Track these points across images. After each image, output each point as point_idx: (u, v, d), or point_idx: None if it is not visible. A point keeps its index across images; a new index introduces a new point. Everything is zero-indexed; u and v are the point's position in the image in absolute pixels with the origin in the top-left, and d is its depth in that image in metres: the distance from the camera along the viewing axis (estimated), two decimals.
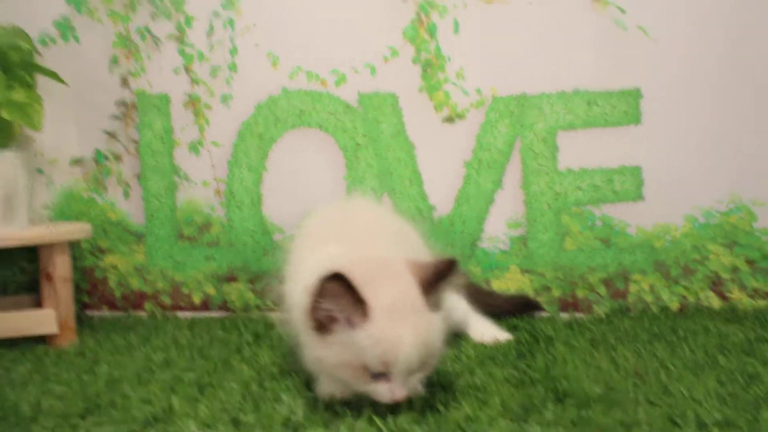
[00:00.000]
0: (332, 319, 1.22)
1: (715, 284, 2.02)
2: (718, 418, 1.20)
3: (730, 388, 1.36)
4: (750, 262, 2.00)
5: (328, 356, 1.24)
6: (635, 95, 2.01)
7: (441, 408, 1.29)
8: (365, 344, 1.19)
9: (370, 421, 1.23)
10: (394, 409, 1.28)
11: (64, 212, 2.23)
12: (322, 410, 1.29)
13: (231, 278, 2.18)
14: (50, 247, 1.89)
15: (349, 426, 1.21)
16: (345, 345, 1.21)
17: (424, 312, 1.23)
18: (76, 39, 2.19)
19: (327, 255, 1.32)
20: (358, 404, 1.31)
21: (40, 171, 2.22)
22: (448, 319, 1.31)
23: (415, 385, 1.27)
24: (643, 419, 1.21)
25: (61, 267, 1.91)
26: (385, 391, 1.23)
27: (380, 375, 1.22)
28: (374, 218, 1.60)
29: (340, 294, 1.18)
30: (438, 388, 1.40)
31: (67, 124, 2.22)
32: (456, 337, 1.82)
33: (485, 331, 1.80)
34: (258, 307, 2.17)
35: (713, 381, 1.40)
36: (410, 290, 1.23)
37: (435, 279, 1.24)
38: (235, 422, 1.25)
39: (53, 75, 2.01)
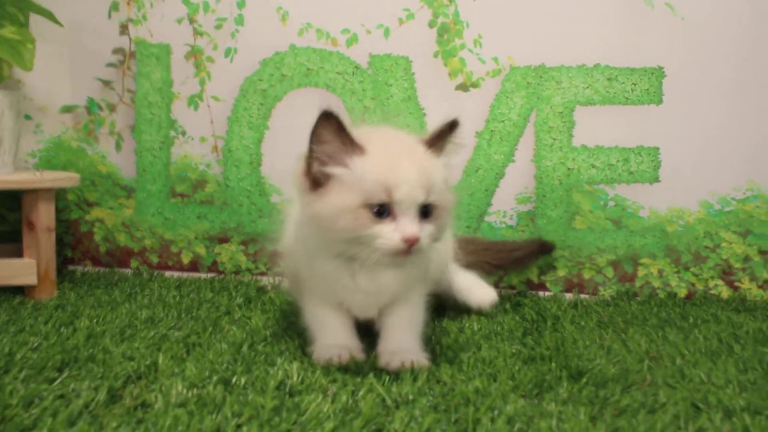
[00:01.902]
0: (327, 177, 1.19)
1: (726, 273, 1.95)
2: (743, 405, 1.13)
3: (750, 376, 1.29)
4: (763, 252, 1.93)
5: (325, 207, 1.19)
6: (658, 74, 1.92)
7: (447, 380, 1.21)
8: (363, 173, 1.17)
9: (371, 390, 1.15)
10: (397, 376, 1.21)
11: (51, 161, 2.13)
12: (320, 375, 1.21)
13: (223, 239, 2.09)
14: (35, 193, 1.79)
15: (349, 393, 1.12)
16: (342, 187, 1.18)
17: (425, 152, 1.22)
18: None
19: None
20: (357, 371, 1.24)
21: (28, 117, 2.11)
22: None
23: (429, 233, 1.20)
24: (665, 402, 1.13)
25: (44, 215, 1.80)
26: (391, 232, 1.17)
27: (384, 212, 1.17)
28: None
29: (334, 134, 1.18)
30: (443, 360, 1.32)
31: (60, 70, 2.12)
32: (458, 311, 1.75)
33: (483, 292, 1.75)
34: (250, 271, 2.08)
35: (732, 368, 1.33)
36: (410, 139, 1.25)
37: (437, 136, 1.24)
38: (226, 383, 1.17)
39: (48, 14, 1.91)
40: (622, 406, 1.11)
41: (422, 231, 1.18)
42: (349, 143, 1.18)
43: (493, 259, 1.84)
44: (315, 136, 1.19)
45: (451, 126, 1.24)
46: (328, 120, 1.17)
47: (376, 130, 1.31)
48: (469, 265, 1.76)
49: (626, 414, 1.08)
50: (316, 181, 1.21)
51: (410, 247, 1.17)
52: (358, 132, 1.21)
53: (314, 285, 1.34)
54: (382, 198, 1.16)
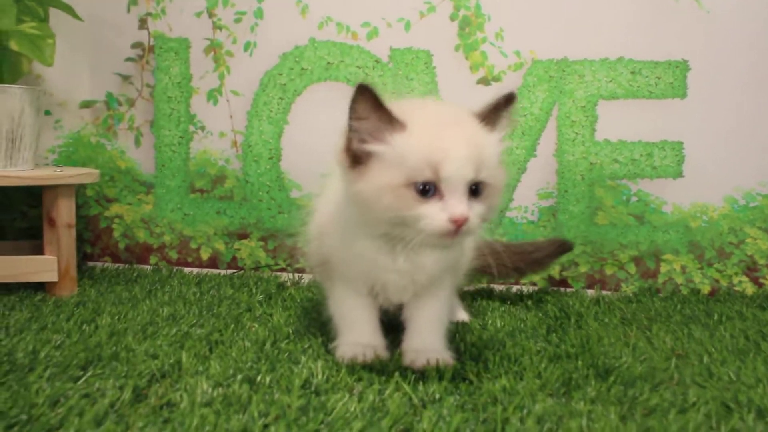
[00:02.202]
0: (367, 154, 1.13)
1: (750, 269, 1.93)
2: None
3: None
4: None
5: (367, 186, 1.13)
6: (682, 67, 1.90)
7: (473, 378, 1.20)
8: (408, 149, 1.10)
9: (398, 388, 1.14)
10: (423, 374, 1.19)
11: (71, 157, 2.13)
12: (345, 374, 1.20)
13: (243, 235, 2.08)
14: (55, 190, 1.79)
15: (375, 392, 1.11)
16: (384, 164, 1.12)
17: (475, 125, 1.15)
18: None
19: None
20: (382, 369, 1.23)
21: (48, 113, 2.11)
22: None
23: (478, 214, 1.13)
24: (695, 402, 1.12)
25: (65, 212, 1.80)
26: (438, 212, 1.10)
27: (430, 190, 1.10)
28: None
29: (370, 109, 1.12)
30: (467, 358, 1.31)
31: (79, 65, 2.11)
32: (479, 308, 1.73)
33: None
34: (269, 267, 2.07)
35: (761, 366, 1.31)
36: (459, 111, 1.18)
37: (493, 109, 1.17)
38: (251, 382, 1.16)
39: (68, 9, 1.90)
40: (652, 406, 1.10)
41: (471, 211, 1.11)
42: (388, 119, 1.12)
43: (510, 261, 1.74)
44: (352, 111, 1.13)
45: (508, 100, 1.18)
46: (363, 94, 1.11)
47: (420, 102, 1.26)
48: (485, 268, 1.63)
49: (656, 413, 1.07)
50: (356, 158, 1.15)
51: (458, 228, 1.10)
52: (399, 105, 1.15)
53: (348, 268, 1.29)
54: (427, 176, 1.10)
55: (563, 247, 1.84)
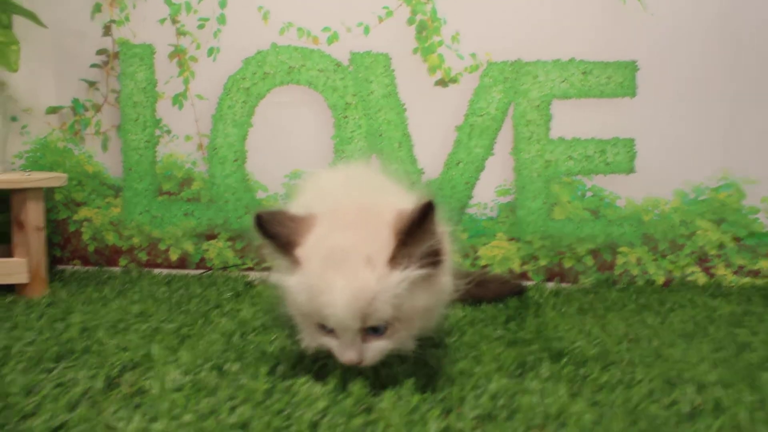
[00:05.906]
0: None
1: (702, 260, 2.01)
2: (715, 379, 1.18)
3: (723, 354, 1.35)
4: (737, 239, 1.99)
5: (289, 293, 1.09)
6: (631, 67, 1.98)
7: (433, 363, 1.25)
8: (300, 292, 1.07)
9: (361, 372, 1.19)
10: (386, 361, 1.24)
11: (38, 162, 2.15)
12: (309, 362, 1.25)
13: (210, 236, 2.12)
14: (23, 193, 1.81)
15: (338, 377, 1.16)
16: (288, 289, 1.09)
17: (376, 264, 1.04)
18: None
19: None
20: None
21: (14, 119, 2.13)
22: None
23: (379, 351, 1.09)
24: (641, 379, 1.19)
25: (34, 215, 1.83)
26: (335, 348, 1.09)
27: (327, 328, 1.08)
28: (378, 177, 1.49)
29: (266, 237, 1.08)
30: (429, 345, 1.36)
31: (45, 72, 2.14)
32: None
33: None
34: (237, 266, 2.11)
35: (706, 348, 1.39)
36: (371, 240, 1.06)
37: (410, 227, 1.04)
38: (219, 370, 1.20)
39: (31, 16, 1.93)
40: (601, 383, 1.16)
41: (368, 351, 1.08)
42: (285, 248, 1.08)
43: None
44: (257, 232, 1.09)
45: (424, 211, 1.03)
46: (258, 223, 1.08)
47: (323, 215, 1.12)
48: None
49: (605, 389, 1.13)
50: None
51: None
52: (321, 225, 1.09)
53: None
54: (318, 319, 1.07)
55: (518, 287, 1.87)
